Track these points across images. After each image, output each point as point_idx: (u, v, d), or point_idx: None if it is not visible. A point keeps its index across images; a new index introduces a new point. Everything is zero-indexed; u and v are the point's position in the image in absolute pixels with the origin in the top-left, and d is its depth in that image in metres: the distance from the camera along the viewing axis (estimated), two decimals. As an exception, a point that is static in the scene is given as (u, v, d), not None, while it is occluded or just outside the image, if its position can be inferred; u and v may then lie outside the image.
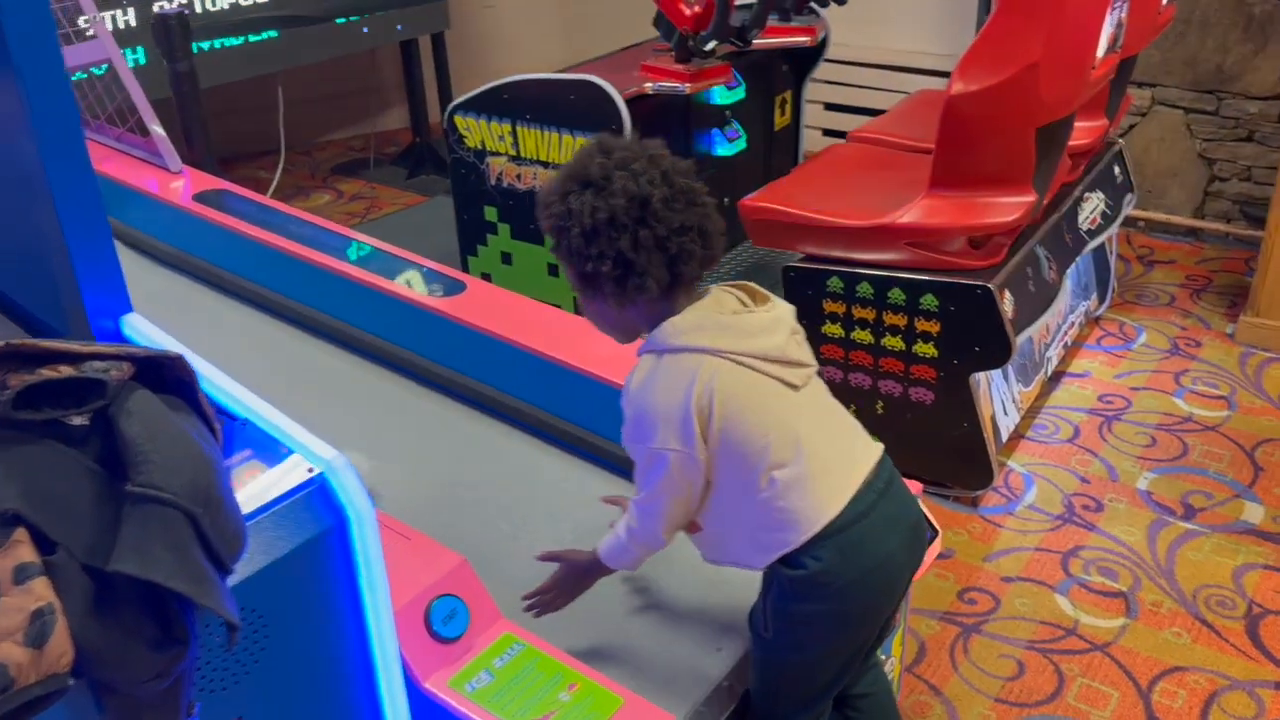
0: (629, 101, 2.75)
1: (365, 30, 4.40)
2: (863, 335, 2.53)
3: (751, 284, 1.44)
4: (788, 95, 3.56)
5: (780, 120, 3.57)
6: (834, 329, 2.56)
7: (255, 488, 1.08)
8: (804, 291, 2.56)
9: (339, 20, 4.30)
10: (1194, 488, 2.60)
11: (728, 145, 3.21)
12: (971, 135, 2.27)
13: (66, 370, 0.95)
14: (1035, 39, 2.11)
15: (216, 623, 0.99)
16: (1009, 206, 2.33)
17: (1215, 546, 2.40)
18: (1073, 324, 3.17)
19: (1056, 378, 3.07)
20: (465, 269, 3.12)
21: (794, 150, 3.66)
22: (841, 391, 2.60)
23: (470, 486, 1.94)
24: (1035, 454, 2.75)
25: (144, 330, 1.28)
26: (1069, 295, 3.14)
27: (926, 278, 2.39)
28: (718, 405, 1.31)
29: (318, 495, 1.10)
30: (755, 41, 2.96)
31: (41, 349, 0.96)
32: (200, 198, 2.56)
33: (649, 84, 2.77)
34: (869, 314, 2.50)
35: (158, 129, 2.65)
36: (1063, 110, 2.25)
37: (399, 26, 4.57)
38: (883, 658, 1.83)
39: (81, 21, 2.60)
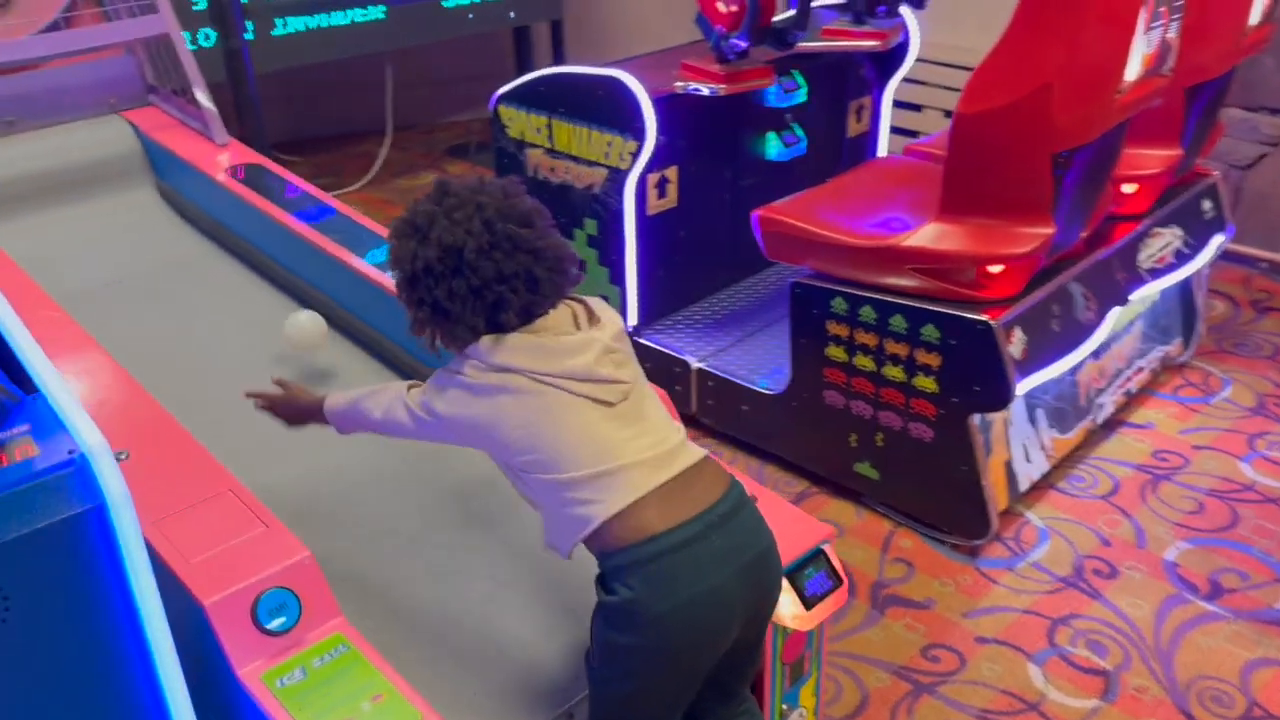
0: (675, 99, 2.69)
1: (471, 16, 4.48)
2: (865, 361, 2.38)
3: (595, 301, 1.43)
4: (866, 101, 3.39)
5: (856, 127, 3.41)
6: (837, 352, 2.42)
7: (12, 464, 1.11)
8: (809, 310, 2.44)
9: (446, 4, 4.39)
10: (1230, 565, 2.33)
11: (783, 150, 3.09)
12: (982, 159, 2.10)
13: None
14: (1050, 58, 1.93)
15: None
16: (1023, 237, 2.14)
17: (1232, 634, 2.15)
18: (1141, 370, 2.89)
19: (1112, 426, 2.82)
20: (504, 258, 3.13)
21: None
22: (842, 418, 2.47)
23: (402, 479, 1.94)
24: (1060, 507, 2.53)
25: (-7, 300, 1.33)
26: (1139, 339, 2.88)
27: (928, 307, 2.23)
28: (514, 411, 1.33)
29: (74, 479, 1.12)
30: (806, 44, 2.84)
31: None
32: (233, 171, 2.67)
33: (679, 83, 2.69)
34: (871, 340, 2.35)
35: (206, 102, 2.77)
36: (1083, 136, 2.04)
37: (511, 14, 4.64)
38: (784, 707, 1.73)
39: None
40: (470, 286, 1.31)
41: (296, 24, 4.00)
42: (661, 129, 2.69)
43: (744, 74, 2.68)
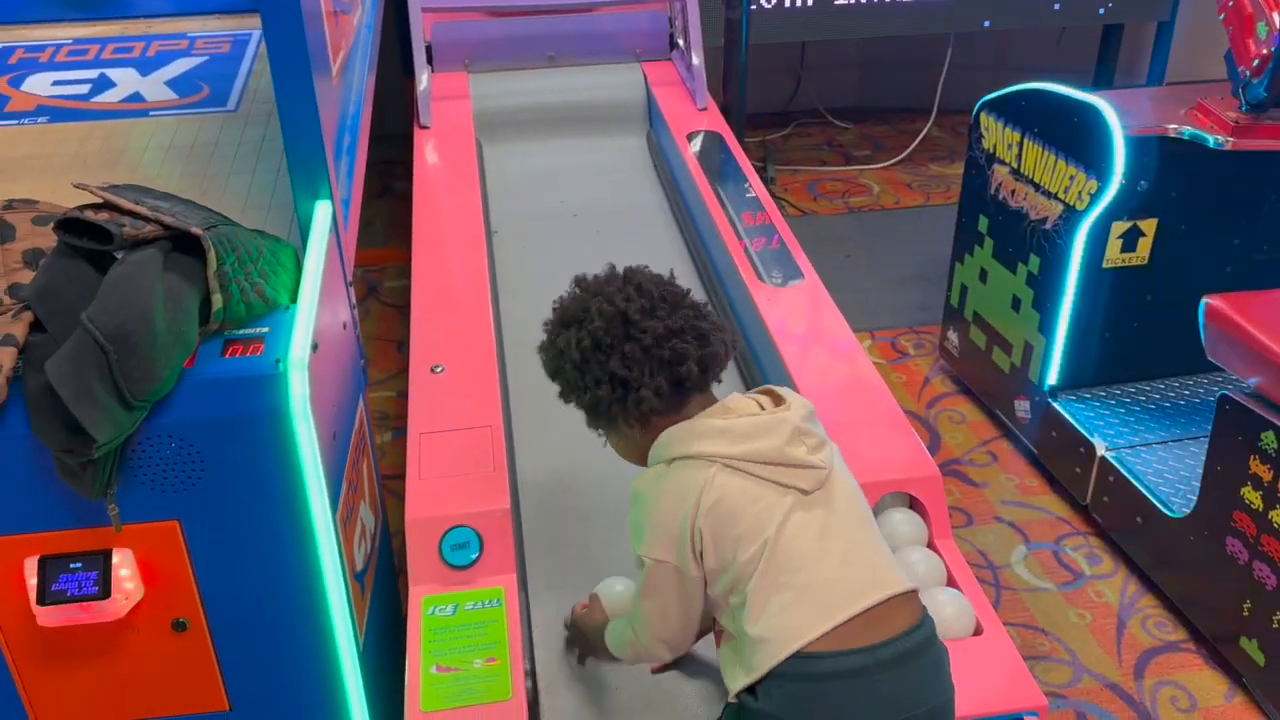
0: (1173, 142, 2.27)
1: (1057, 6, 4.10)
2: (1281, 520, 1.86)
3: (774, 388, 1.33)
4: None
5: None
6: (1252, 496, 1.92)
7: (233, 358, 1.34)
8: (1234, 435, 1.95)
9: (1027, -10, 4.06)
10: None
11: (1329, 229, 2.45)
12: None
13: (103, 216, 1.29)
14: None
15: (162, 438, 1.31)
16: None
17: None
18: None
19: None
20: (951, 275, 2.92)
21: None
22: (1240, 577, 1.98)
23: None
24: None
25: (322, 219, 1.58)
26: None
27: (1379, 482, 1.67)
28: (706, 513, 1.23)
29: (269, 384, 1.32)
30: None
31: (115, 203, 1.32)
32: (690, 136, 2.80)
33: (1174, 126, 2.24)
34: (1296, 497, 1.82)
35: (697, 64, 2.92)
36: None
37: (1100, 10, 4.15)
38: None
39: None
40: (643, 347, 1.26)
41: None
42: (1143, 173, 2.30)
43: (1264, 129, 2.17)
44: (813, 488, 1.24)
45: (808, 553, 1.21)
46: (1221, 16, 2.21)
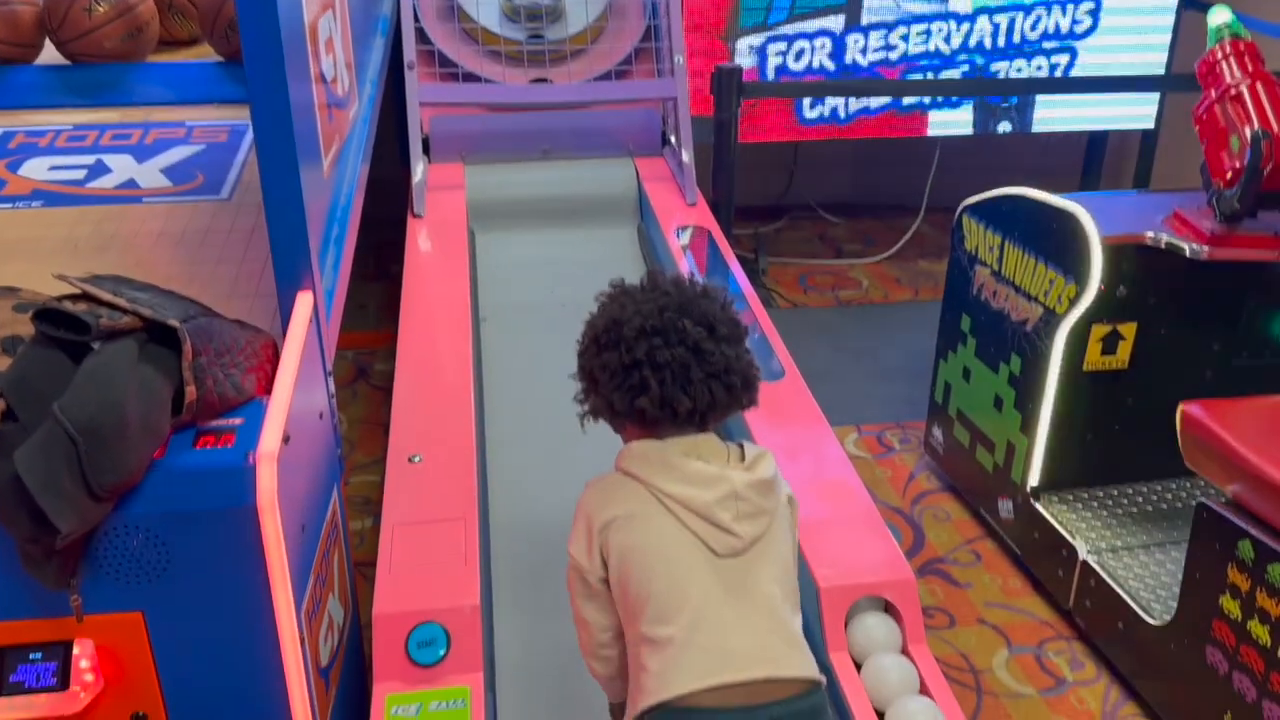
0: (1151, 249, 2.31)
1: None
2: (1259, 631, 1.84)
3: (752, 448, 1.36)
4: None
5: None
6: (1230, 605, 1.90)
7: (202, 451, 1.34)
8: (1211, 544, 1.94)
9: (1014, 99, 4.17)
10: None
11: (1308, 338, 2.48)
12: None
13: (81, 307, 1.31)
14: None
15: (129, 529, 1.30)
16: None
17: None
18: None
19: None
20: (935, 372, 2.94)
21: None
22: (1220, 688, 1.95)
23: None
24: None
25: (302, 310, 1.60)
26: None
27: (1356, 597, 1.66)
28: (617, 533, 1.30)
29: (238, 477, 1.32)
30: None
31: (94, 295, 1.33)
32: (680, 229, 2.85)
33: (1151, 233, 2.28)
34: (1274, 608, 1.81)
35: (688, 161, 2.98)
36: None
37: (1085, 119, 4.26)
38: None
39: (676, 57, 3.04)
40: (621, 363, 1.30)
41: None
42: (1121, 279, 2.33)
43: (1239, 239, 2.21)
44: (724, 552, 1.29)
45: (704, 612, 1.26)
46: (1196, 129, 2.26)
